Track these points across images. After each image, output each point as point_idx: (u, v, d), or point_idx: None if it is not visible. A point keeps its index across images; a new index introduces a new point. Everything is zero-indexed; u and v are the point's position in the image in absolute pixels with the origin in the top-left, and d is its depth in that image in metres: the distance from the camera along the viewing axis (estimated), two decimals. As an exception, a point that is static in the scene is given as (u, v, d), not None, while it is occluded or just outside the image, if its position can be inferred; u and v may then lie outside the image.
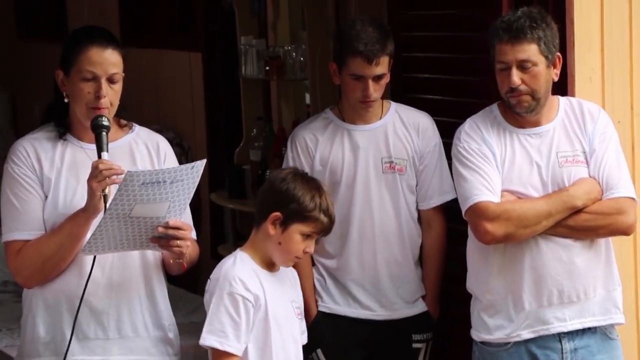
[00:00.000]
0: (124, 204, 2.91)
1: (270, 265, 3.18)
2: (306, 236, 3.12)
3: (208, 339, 3.08)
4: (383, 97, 3.69)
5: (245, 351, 3.09)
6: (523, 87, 3.24)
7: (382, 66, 3.57)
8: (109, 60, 3.06)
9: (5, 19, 8.25)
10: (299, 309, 3.22)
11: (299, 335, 3.21)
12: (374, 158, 3.66)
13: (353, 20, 3.67)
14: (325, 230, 3.15)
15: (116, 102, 3.10)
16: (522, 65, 3.22)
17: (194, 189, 3.00)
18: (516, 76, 3.22)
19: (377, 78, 3.58)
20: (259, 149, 5.39)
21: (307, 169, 3.66)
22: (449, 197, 3.63)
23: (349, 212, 3.66)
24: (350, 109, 3.68)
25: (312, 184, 3.17)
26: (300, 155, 3.69)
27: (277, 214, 3.10)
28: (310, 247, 3.14)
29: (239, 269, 3.12)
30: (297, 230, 3.11)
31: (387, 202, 3.66)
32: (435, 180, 3.68)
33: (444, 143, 3.69)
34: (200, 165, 2.96)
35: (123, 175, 2.91)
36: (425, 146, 3.69)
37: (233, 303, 3.07)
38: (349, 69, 3.58)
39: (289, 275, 3.24)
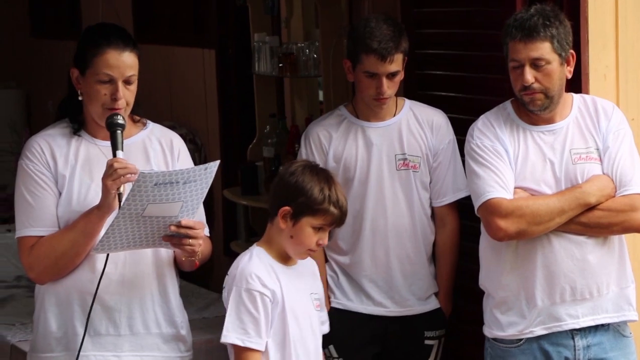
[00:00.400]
0: (137, 204, 2.92)
1: (286, 259, 3.19)
2: (317, 229, 3.13)
3: (229, 337, 3.09)
4: (397, 95, 3.69)
5: (265, 346, 3.10)
6: (536, 85, 3.23)
7: (396, 64, 3.57)
8: (126, 63, 3.07)
9: (19, 17, 8.27)
10: (318, 301, 3.22)
11: (318, 327, 3.22)
12: (388, 155, 3.66)
13: (367, 18, 3.68)
14: (337, 221, 3.15)
15: (132, 102, 3.11)
16: (535, 64, 3.22)
17: (207, 190, 3.00)
18: (529, 74, 3.22)
19: (391, 75, 3.58)
20: (272, 146, 5.39)
21: (320, 166, 3.66)
22: (462, 194, 3.62)
23: (362, 209, 3.66)
24: (364, 106, 3.68)
25: (322, 175, 3.17)
26: (314, 152, 3.69)
27: (287, 208, 3.11)
28: (324, 239, 3.15)
29: (254, 265, 3.13)
30: (307, 223, 3.12)
31: (400, 199, 3.66)
32: (449, 177, 3.68)
33: (457, 140, 3.69)
34: (213, 166, 2.97)
35: (137, 175, 2.92)
36: (439, 143, 3.69)
37: (251, 299, 3.08)
38: (363, 66, 3.58)
39: (308, 266, 3.25)
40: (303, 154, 3.72)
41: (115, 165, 2.96)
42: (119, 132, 3.03)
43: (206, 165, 2.96)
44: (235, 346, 3.11)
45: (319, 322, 3.22)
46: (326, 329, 3.28)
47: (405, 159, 3.67)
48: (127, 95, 3.08)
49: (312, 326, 3.18)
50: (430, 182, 3.70)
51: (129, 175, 2.95)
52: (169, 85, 6.49)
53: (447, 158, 3.69)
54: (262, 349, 3.09)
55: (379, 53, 3.53)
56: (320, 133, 3.70)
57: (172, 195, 2.94)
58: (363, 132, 3.68)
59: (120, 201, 2.95)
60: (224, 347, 4.19)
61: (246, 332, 3.08)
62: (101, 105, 3.08)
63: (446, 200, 3.69)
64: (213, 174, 2.99)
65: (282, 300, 3.11)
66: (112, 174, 2.96)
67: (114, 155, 3.02)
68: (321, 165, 3.64)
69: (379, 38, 3.54)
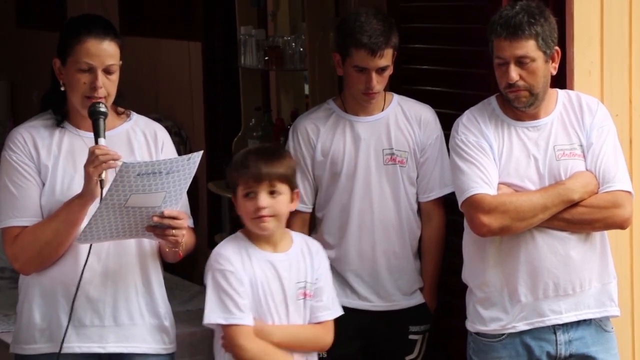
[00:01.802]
0: (120, 195, 2.92)
1: (273, 244, 3.21)
2: (246, 195, 3.16)
3: (212, 317, 3.13)
4: (385, 89, 3.69)
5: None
6: (521, 83, 3.24)
7: (386, 58, 3.57)
8: (106, 52, 3.06)
9: (4, 7, 8.23)
10: (303, 290, 3.22)
11: (301, 316, 3.21)
12: (375, 149, 3.67)
13: (357, 12, 3.67)
14: (250, 178, 3.14)
15: (113, 92, 3.10)
16: (520, 61, 3.22)
17: (190, 180, 3.00)
18: (514, 72, 3.22)
19: (381, 70, 3.58)
20: (257, 139, 5.39)
21: (308, 159, 3.67)
22: (449, 190, 3.62)
23: (348, 203, 3.66)
24: (353, 100, 3.68)
25: (253, 147, 3.25)
26: (302, 145, 3.69)
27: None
28: (256, 203, 3.13)
29: (224, 247, 3.19)
30: (240, 193, 3.17)
31: (387, 193, 3.67)
32: (436, 172, 3.69)
33: (444, 135, 3.69)
34: (196, 156, 2.97)
35: (120, 161, 2.92)
36: (427, 138, 3.69)
37: (224, 278, 3.13)
38: (352, 60, 3.58)
39: (303, 253, 3.24)
40: (291, 147, 3.71)
41: (97, 152, 2.96)
42: (101, 120, 3.03)
43: (189, 155, 2.96)
44: (222, 326, 3.13)
45: (303, 311, 3.22)
46: (321, 317, 3.25)
47: (392, 154, 3.67)
48: (107, 85, 3.07)
49: (290, 314, 3.18)
50: (417, 177, 3.71)
51: (111, 162, 2.95)
52: (154, 78, 6.47)
53: (435, 153, 3.69)
54: (249, 322, 3.12)
55: (369, 48, 3.53)
56: (308, 127, 3.70)
57: (154, 186, 2.93)
58: (351, 126, 3.69)
59: (102, 188, 2.94)
60: (207, 339, 4.19)
61: (227, 309, 3.11)
62: (81, 94, 3.07)
63: (433, 195, 3.70)
64: (196, 165, 2.98)
65: (256, 284, 3.14)
66: (93, 161, 2.96)
67: (96, 142, 3.01)
68: (309, 159, 3.67)
69: (369, 33, 3.54)
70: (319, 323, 3.25)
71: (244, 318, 3.12)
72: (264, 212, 3.14)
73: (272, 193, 3.15)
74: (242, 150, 3.25)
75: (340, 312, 3.31)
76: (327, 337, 3.26)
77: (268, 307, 3.16)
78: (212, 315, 3.12)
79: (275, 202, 3.15)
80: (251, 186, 3.15)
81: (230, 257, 3.16)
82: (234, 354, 3.15)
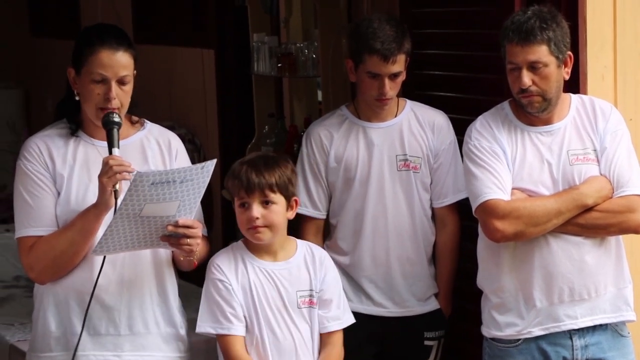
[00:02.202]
0: (134, 204, 2.92)
1: (273, 254, 3.21)
2: (242, 205, 3.16)
3: (203, 326, 3.18)
4: (398, 95, 3.70)
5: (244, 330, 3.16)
6: (534, 88, 3.23)
7: (399, 64, 3.57)
8: (119, 63, 3.06)
9: (19, 16, 8.28)
10: (306, 298, 3.22)
11: (308, 324, 3.21)
12: (389, 156, 3.67)
13: (370, 18, 3.67)
14: (242, 189, 3.15)
15: (127, 102, 3.11)
16: (533, 66, 3.22)
17: (204, 189, 3.01)
18: (527, 77, 3.22)
19: (394, 76, 3.58)
20: (271, 146, 5.40)
21: (321, 166, 3.67)
22: (463, 196, 3.62)
23: (362, 209, 3.66)
24: (366, 107, 3.69)
25: (250, 157, 3.24)
26: (315, 152, 3.69)
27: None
28: (250, 214, 3.14)
29: (220, 256, 3.22)
30: (236, 204, 3.19)
31: (401, 199, 3.67)
32: (449, 178, 3.68)
33: (457, 141, 3.69)
34: (210, 165, 2.97)
35: (134, 172, 2.93)
36: (440, 144, 3.69)
37: (215, 288, 3.16)
38: (365, 66, 3.58)
39: (306, 262, 3.24)
40: (304, 153, 3.72)
41: (111, 162, 2.97)
42: (115, 130, 3.04)
43: (203, 164, 2.96)
44: (216, 336, 3.17)
45: (310, 319, 3.22)
46: (335, 325, 3.26)
47: (406, 160, 3.67)
48: (120, 96, 3.08)
49: (296, 322, 3.19)
50: (431, 183, 3.71)
51: (124, 173, 2.96)
52: (168, 86, 6.49)
53: (448, 159, 3.69)
54: (238, 332, 3.15)
55: (382, 54, 3.54)
56: (322, 133, 3.71)
57: (169, 195, 2.94)
58: (364, 132, 3.69)
59: (116, 198, 2.95)
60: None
61: (217, 319, 3.15)
62: (95, 105, 3.08)
63: (447, 201, 3.70)
64: (210, 173, 2.99)
65: (250, 293, 3.15)
66: (107, 172, 2.96)
67: (110, 153, 3.02)
68: (322, 165, 3.67)
69: (382, 39, 3.54)
70: (328, 333, 3.25)
71: (232, 328, 3.15)
72: (257, 223, 3.14)
73: (265, 203, 3.15)
74: (237, 161, 3.25)
75: (349, 322, 3.30)
76: (336, 352, 3.26)
77: (265, 316, 3.17)
78: (203, 324, 3.18)
79: (269, 212, 3.15)
80: (243, 197, 3.16)
81: (224, 266, 3.18)
82: None
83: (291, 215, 3.22)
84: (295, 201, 3.23)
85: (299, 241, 3.31)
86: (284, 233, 3.24)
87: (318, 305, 3.24)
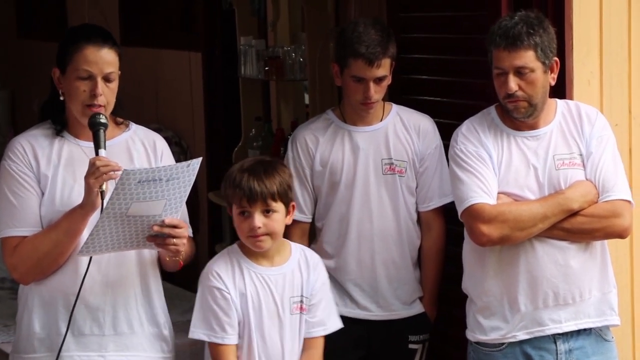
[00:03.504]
0: (121, 203, 2.92)
1: (270, 258, 3.20)
2: (242, 213, 3.14)
3: (196, 333, 3.16)
4: (383, 99, 3.70)
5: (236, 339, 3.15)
6: (520, 93, 3.24)
7: (384, 68, 3.58)
8: (104, 59, 3.06)
9: (5, 18, 8.25)
10: (298, 304, 3.21)
11: (295, 332, 3.20)
12: (374, 159, 3.67)
13: (356, 22, 3.68)
14: (244, 198, 3.11)
15: (112, 101, 3.11)
16: (519, 72, 3.23)
17: (190, 187, 3.01)
18: (513, 82, 3.23)
19: (378, 80, 3.59)
20: (258, 149, 5.40)
21: (307, 169, 3.67)
22: (449, 200, 3.62)
23: (348, 213, 3.66)
24: (352, 111, 3.69)
25: (249, 163, 3.19)
26: (301, 156, 3.70)
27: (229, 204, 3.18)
28: (251, 223, 3.12)
29: (217, 262, 3.19)
30: (235, 211, 3.16)
31: (386, 203, 3.67)
32: (435, 182, 3.69)
33: (443, 145, 3.70)
34: (196, 163, 2.97)
35: (120, 172, 2.92)
36: (426, 148, 3.70)
37: (212, 296, 3.14)
38: (350, 70, 3.59)
39: (300, 267, 3.23)
40: (290, 157, 3.72)
41: (97, 163, 2.97)
42: (101, 131, 3.03)
43: (189, 162, 2.96)
44: (207, 342, 3.15)
45: (298, 326, 3.21)
46: (320, 331, 3.24)
47: (391, 164, 3.68)
48: (106, 93, 3.08)
49: (284, 329, 3.18)
50: (417, 187, 3.71)
51: (111, 173, 2.96)
52: (155, 88, 6.49)
53: (434, 163, 3.70)
54: (231, 342, 3.14)
55: (367, 58, 3.54)
56: (307, 137, 3.71)
57: (155, 193, 2.94)
58: (350, 136, 3.69)
59: (102, 199, 2.94)
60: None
61: (211, 327, 3.14)
62: (81, 102, 3.07)
63: (432, 205, 3.70)
64: (195, 171, 2.99)
65: (245, 299, 3.14)
66: (94, 172, 2.96)
67: (97, 153, 3.02)
68: (308, 169, 3.67)
69: (366, 43, 3.55)
70: (311, 338, 3.23)
71: (226, 338, 3.14)
72: (258, 232, 3.13)
73: (267, 212, 3.14)
74: (235, 166, 3.22)
75: (336, 327, 3.29)
76: (316, 357, 3.25)
77: (258, 322, 3.16)
78: (196, 330, 3.16)
79: (270, 221, 3.14)
80: (245, 206, 3.13)
81: (222, 273, 3.16)
82: None
83: (289, 220, 3.21)
84: (293, 206, 3.23)
85: (292, 244, 3.30)
86: (281, 237, 3.24)
87: (307, 310, 3.24)
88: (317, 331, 3.25)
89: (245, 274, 3.18)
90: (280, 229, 3.17)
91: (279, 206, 3.15)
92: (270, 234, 3.14)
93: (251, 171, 3.15)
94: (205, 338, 3.15)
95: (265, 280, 3.19)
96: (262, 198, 3.12)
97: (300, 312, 3.22)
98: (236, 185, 3.13)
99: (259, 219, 3.12)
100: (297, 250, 3.28)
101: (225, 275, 3.16)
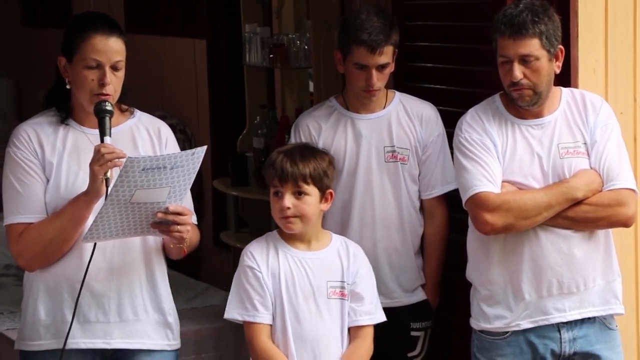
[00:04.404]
0: (125, 190, 2.92)
1: (307, 243, 3.25)
2: (276, 193, 3.21)
3: (230, 312, 3.22)
4: (386, 87, 3.70)
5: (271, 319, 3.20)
6: (525, 82, 3.24)
7: (386, 56, 3.58)
8: (112, 48, 3.07)
9: (11, 6, 8.25)
10: (336, 289, 3.23)
11: (333, 316, 3.22)
12: (377, 147, 3.67)
13: (359, 10, 3.68)
14: (276, 178, 3.20)
15: (119, 89, 3.12)
16: (524, 60, 3.22)
17: (195, 175, 3.01)
18: (518, 70, 3.22)
19: (381, 67, 3.59)
20: (262, 137, 5.40)
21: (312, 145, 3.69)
22: (451, 187, 3.63)
23: (350, 200, 3.67)
24: (354, 98, 3.69)
25: (288, 147, 3.29)
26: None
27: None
28: (282, 203, 3.18)
29: (253, 244, 3.26)
30: (271, 192, 3.23)
31: (388, 191, 3.67)
32: (438, 170, 3.69)
33: (446, 133, 3.69)
34: (200, 151, 2.98)
35: (125, 158, 2.93)
36: (429, 136, 3.70)
37: (245, 275, 3.20)
38: (352, 57, 3.59)
39: (339, 255, 3.27)
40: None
41: (103, 150, 2.97)
42: (107, 118, 3.04)
43: (194, 150, 2.97)
44: (243, 323, 3.21)
45: (338, 311, 3.22)
46: (367, 320, 3.27)
47: (394, 151, 3.68)
48: (114, 82, 3.08)
49: (321, 311, 3.19)
50: (419, 175, 3.71)
51: (116, 160, 2.96)
52: (160, 76, 6.49)
53: (436, 151, 3.70)
54: (265, 321, 3.18)
55: (369, 45, 3.54)
56: (310, 124, 3.71)
57: (159, 181, 2.94)
58: (352, 123, 3.69)
59: (107, 186, 2.95)
60: (213, 337, 4.20)
61: (244, 306, 3.19)
62: (89, 91, 3.08)
63: (435, 192, 3.70)
64: (200, 159, 2.99)
65: (277, 279, 3.18)
66: (99, 159, 2.96)
67: (102, 141, 3.02)
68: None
69: (369, 30, 3.54)
70: (358, 327, 3.26)
71: (258, 316, 3.18)
72: (287, 213, 3.19)
73: (298, 194, 3.19)
74: (278, 148, 3.31)
75: (381, 319, 3.33)
76: (365, 346, 3.27)
77: (291, 303, 3.19)
78: (231, 310, 3.22)
79: (301, 203, 3.19)
80: (277, 186, 3.21)
81: (256, 253, 3.22)
82: (249, 349, 3.22)
83: (325, 207, 3.27)
84: (331, 193, 3.28)
85: (334, 235, 3.35)
86: (318, 224, 3.28)
87: (350, 298, 3.26)
88: (364, 319, 3.27)
89: (280, 255, 3.23)
90: (311, 212, 3.21)
91: (311, 189, 3.20)
92: (300, 217, 3.20)
93: (288, 153, 3.24)
94: (238, 317, 3.21)
95: (300, 262, 3.23)
96: (292, 179, 3.18)
97: (341, 298, 3.24)
98: (271, 165, 3.22)
99: (288, 200, 3.18)
100: (338, 240, 3.34)
101: (258, 255, 3.21)
